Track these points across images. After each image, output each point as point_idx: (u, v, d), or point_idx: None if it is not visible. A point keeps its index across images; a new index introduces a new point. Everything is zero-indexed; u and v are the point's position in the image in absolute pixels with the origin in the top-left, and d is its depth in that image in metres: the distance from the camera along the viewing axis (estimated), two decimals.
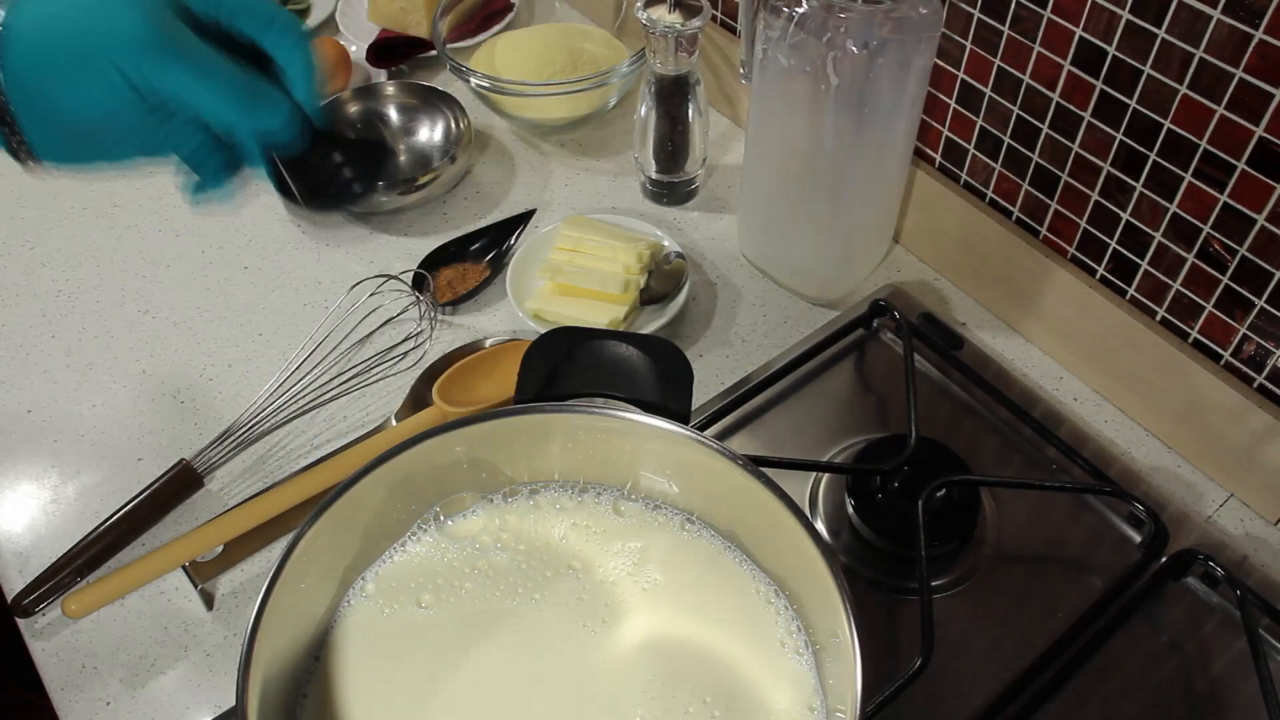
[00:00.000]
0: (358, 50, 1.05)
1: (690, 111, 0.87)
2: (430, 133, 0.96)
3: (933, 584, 0.66)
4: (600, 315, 0.79)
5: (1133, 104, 0.66)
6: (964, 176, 0.81)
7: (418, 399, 0.76)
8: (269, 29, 0.49)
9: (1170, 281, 0.70)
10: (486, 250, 0.87)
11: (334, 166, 0.54)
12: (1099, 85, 0.67)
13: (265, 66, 0.50)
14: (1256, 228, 0.64)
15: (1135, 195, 0.69)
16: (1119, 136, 0.68)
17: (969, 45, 0.74)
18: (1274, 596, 0.64)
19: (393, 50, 1.05)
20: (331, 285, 0.86)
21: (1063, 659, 0.63)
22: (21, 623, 0.67)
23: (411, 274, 0.85)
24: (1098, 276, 0.75)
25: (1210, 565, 0.65)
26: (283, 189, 0.53)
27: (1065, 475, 0.72)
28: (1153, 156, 0.67)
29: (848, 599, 0.47)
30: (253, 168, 0.50)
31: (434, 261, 0.86)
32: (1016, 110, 0.74)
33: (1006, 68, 0.73)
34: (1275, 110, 0.59)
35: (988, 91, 0.75)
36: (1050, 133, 0.72)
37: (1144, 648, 0.64)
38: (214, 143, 0.49)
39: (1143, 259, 0.71)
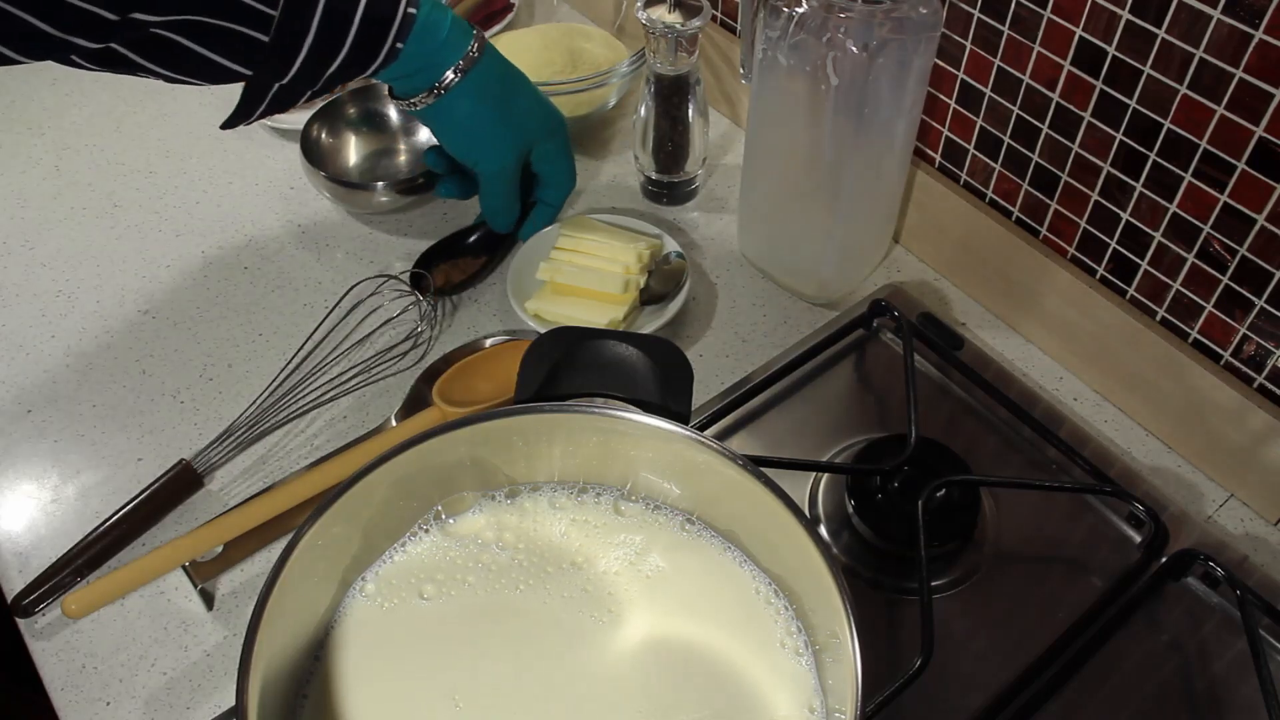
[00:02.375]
0: None
1: (690, 111, 0.87)
2: (430, 133, 0.96)
3: (933, 584, 0.66)
4: (600, 315, 0.79)
5: (1133, 104, 0.66)
6: (964, 176, 0.81)
7: (418, 399, 0.76)
8: (549, 190, 0.84)
9: (1170, 281, 0.70)
10: (484, 242, 0.87)
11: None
12: (1099, 85, 0.67)
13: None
14: (1256, 228, 0.64)
15: (1135, 195, 0.69)
16: (1119, 136, 0.68)
17: (969, 45, 0.74)
18: (1274, 596, 0.64)
19: None
20: (331, 285, 0.86)
21: (1063, 659, 0.63)
22: (21, 623, 0.67)
23: (411, 274, 0.85)
24: (1098, 276, 0.75)
25: (1210, 565, 0.65)
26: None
27: (1065, 475, 0.72)
28: (1153, 156, 0.67)
29: (848, 599, 0.47)
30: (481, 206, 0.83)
31: (431, 258, 0.86)
32: (1016, 110, 0.74)
33: (1006, 68, 0.73)
34: (1275, 110, 0.59)
35: (988, 91, 0.75)
36: (1050, 133, 0.72)
37: (1144, 648, 0.64)
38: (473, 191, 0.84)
39: (1143, 259, 0.71)
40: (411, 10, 0.67)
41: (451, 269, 0.86)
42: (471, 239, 0.87)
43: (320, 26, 0.63)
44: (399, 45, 0.67)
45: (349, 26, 0.64)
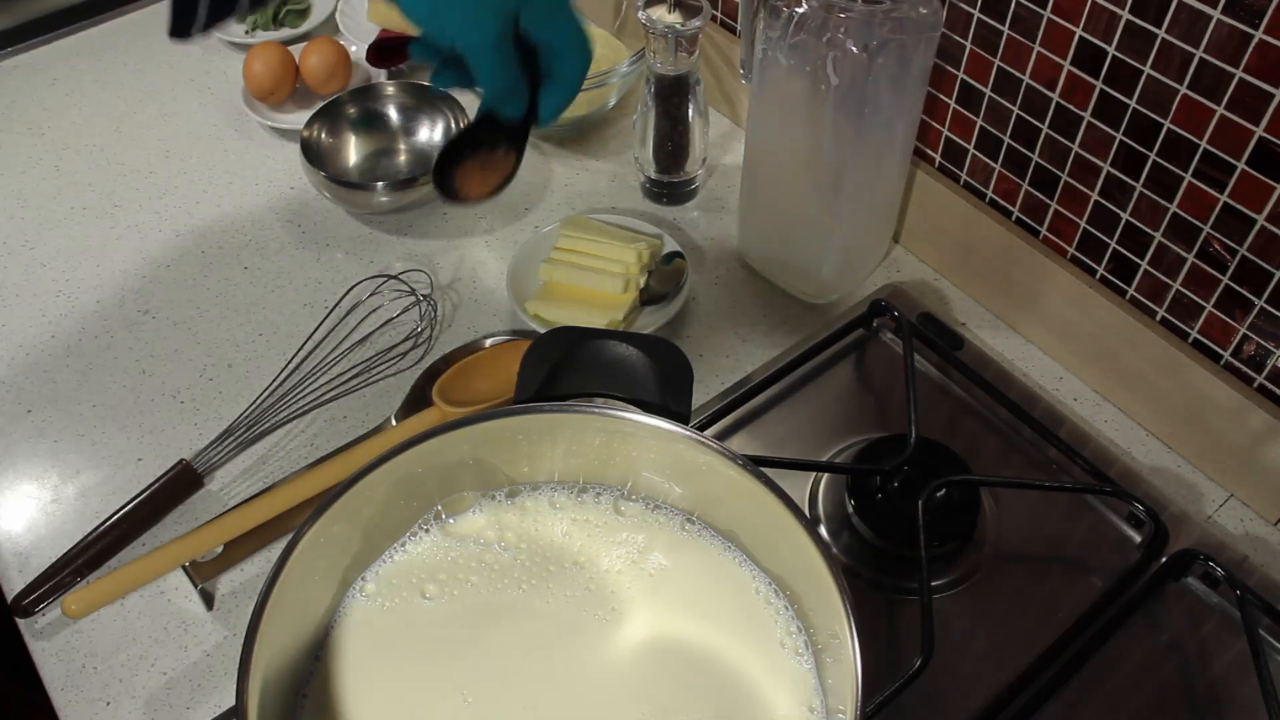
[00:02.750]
0: (358, 50, 1.05)
1: (690, 111, 0.87)
2: (430, 133, 0.96)
3: (933, 584, 0.66)
4: (600, 315, 0.79)
5: (1133, 104, 0.66)
6: (964, 176, 0.81)
7: (418, 399, 0.76)
8: (556, 62, 0.64)
9: (1170, 281, 0.70)
10: (503, 133, 0.67)
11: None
12: (1099, 85, 0.67)
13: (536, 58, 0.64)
14: (1256, 228, 0.64)
15: (1135, 195, 0.69)
16: (1119, 136, 0.68)
17: (969, 45, 0.74)
18: (1274, 596, 0.64)
19: (393, 50, 1.05)
20: (331, 285, 0.86)
21: (1063, 659, 0.63)
22: (21, 623, 0.67)
23: (411, 273, 0.85)
24: (1098, 276, 0.75)
25: (1210, 565, 0.65)
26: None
27: (1065, 475, 0.72)
28: (1153, 156, 0.67)
29: (848, 599, 0.47)
30: (478, 95, 0.65)
31: (447, 165, 0.67)
32: (1016, 110, 0.74)
33: (1006, 68, 0.73)
34: (1275, 110, 0.59)
35: (988, 91, 0.75)
36: (1050, 133, 0.72)
37: (1144, 648, 0.64)
38: (467, 75, 0.65)
39: (1143, 259, 0.71)
40: None
41: (483, 172, 0.67)
42: (485, 133, 0.67)
43: None
44: None
45: None
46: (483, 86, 0.66)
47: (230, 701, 0.62)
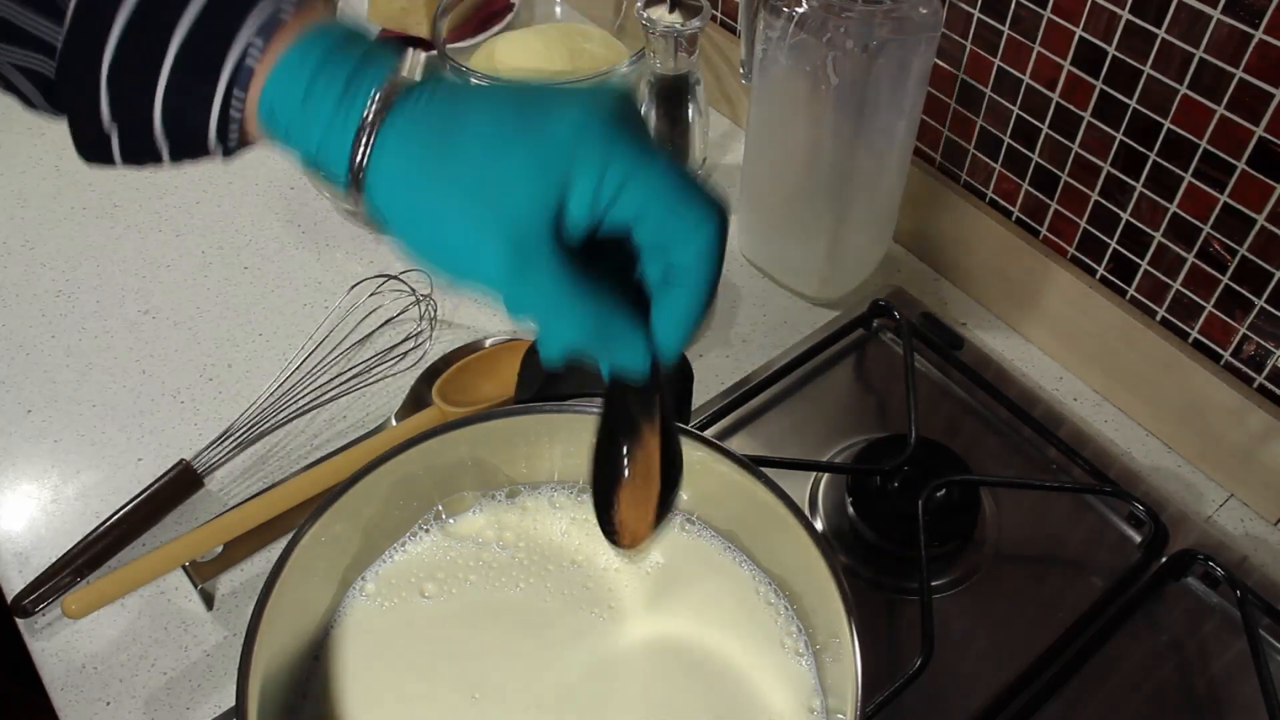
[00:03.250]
0: None
1: (690, 111, 0.87)
2: None
3: (933, 584, 0.66)
4: None
5: (1133, 104, 0.66)
6: (964, 176, 0.81)
7: (418, 399, 0.76)
8: (666, 249, 0.38)
9: (1170, 281, 0.70)
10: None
11: None
12: (1099, 85, 0.67)
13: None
14: (1256, 228, 0.64)
15: (1135, 195, 0.69)
16: (1119, 136, 0.68)
17: (969, 45, 0.74)
18: (1274, 596, 0.64)
19: None
20: (331, 285, 0.86)
21: (1063, 659, 0.63)
22: (21, 623, 0.67)
23: (411, 273, 0.84)
24: (1098, 276, 0.75)
25: (1210, 565, 0.65)
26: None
27: (1065, 475, 0.72)
28: (1153, 156, 0.67)
29: (848, 599, 0.47)
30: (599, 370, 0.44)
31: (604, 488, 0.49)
32: (1016, 110, 0.74)
33: (1006, 68, 0.73)
34: (1275, 110, 0.59)
35: (988, 91, 0.75)
36: (1050, 133, 0.72)
37: (1144, 648, 0.64)
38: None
39: (1143, 259, 0.71)
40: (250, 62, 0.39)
41: (635, 487, 0.46)
42: (618, 416, 0.45)
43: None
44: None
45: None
46: (566, 339, 0.40)
47: (230, 701, 0.62)
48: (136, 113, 0.40)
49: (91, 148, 0.41)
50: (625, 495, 0.45)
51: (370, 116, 0.38)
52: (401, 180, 0.39)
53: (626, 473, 0.45)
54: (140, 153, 0.41)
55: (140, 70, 0.39)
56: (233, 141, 0.41)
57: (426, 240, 0.39)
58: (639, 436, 0.44)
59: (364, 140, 0.39)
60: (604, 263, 0.39)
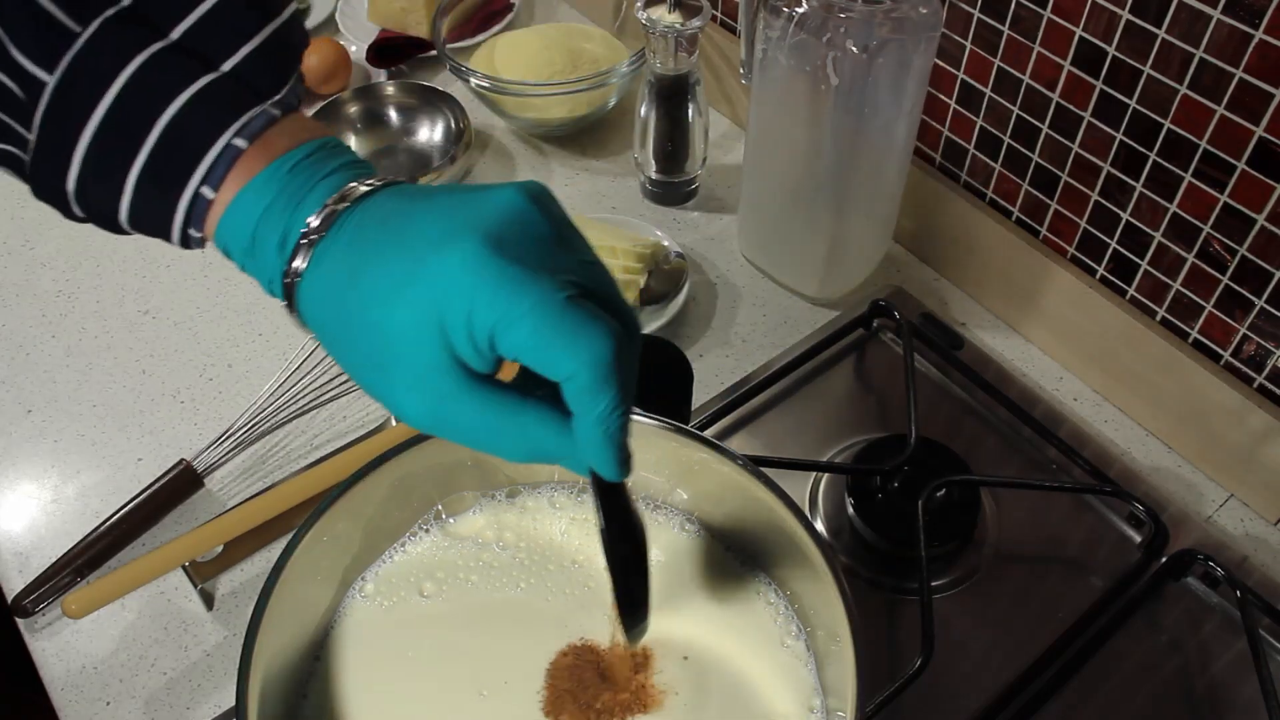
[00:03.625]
0: (358, 50, 1.05)
1: (690, 111, 0.87)
2: (430, 133, 0.97)
3: (933, 584, 0.66)
4: None
5: (1133, 104, 0.66)
6: (964, 176, 0.81)
7: None
8: (550, 375, 0.37)
9: (1170, 281, 0.70)
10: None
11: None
12: (1099, 85, 0.67)
13: None
14: (1256, 228, 0.64)
15: (1135, 195, 0.69)
16: (1119, 136, 0.68)
17: (969, 45, 0.74)
18: (1274, 596, 0.64)
19: (393, 50, 1.05)
20: None
21: (1063, 659, 0.63)
22: (21, 623, 0.67)
23: None
24: (1098, 276, 0.75)
25: (1210, 565, 0.65)
26: None
27: (1065, 475, 0.72)
28: (1153, 156, 0.67)
29: (848, 599, 0.47)
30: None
31: None
32: (1016, 110, 0.74)
33: (1006, 68, 0.73)
34: (1275, 110, 0.59)
35: (988, 91, 0.75)
36: (1050, 133, 0.72)
37: (1144, 648, 0.64)
38: None
39: (1143, 259, 0.71)
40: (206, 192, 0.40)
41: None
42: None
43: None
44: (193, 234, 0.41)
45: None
46: (505, 454, 0.40)
47: (230, 701, 0.62)
48: (106, 218, 0.42)
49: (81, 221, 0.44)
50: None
51: (292, 270, 0.40)
52: (323, 332, 0.41)
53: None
54: (122, 232, 0.44)
55: (105, 195, 0.41)
56: (199, 244, 0.43)
57: (360, 382, 0.41)
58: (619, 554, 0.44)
59: (291, 297, 0.41)
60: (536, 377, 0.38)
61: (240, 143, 0.40)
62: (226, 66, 0.41)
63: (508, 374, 0.39)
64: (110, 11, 0.39)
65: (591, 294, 0.38)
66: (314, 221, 0.39)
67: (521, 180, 0.39)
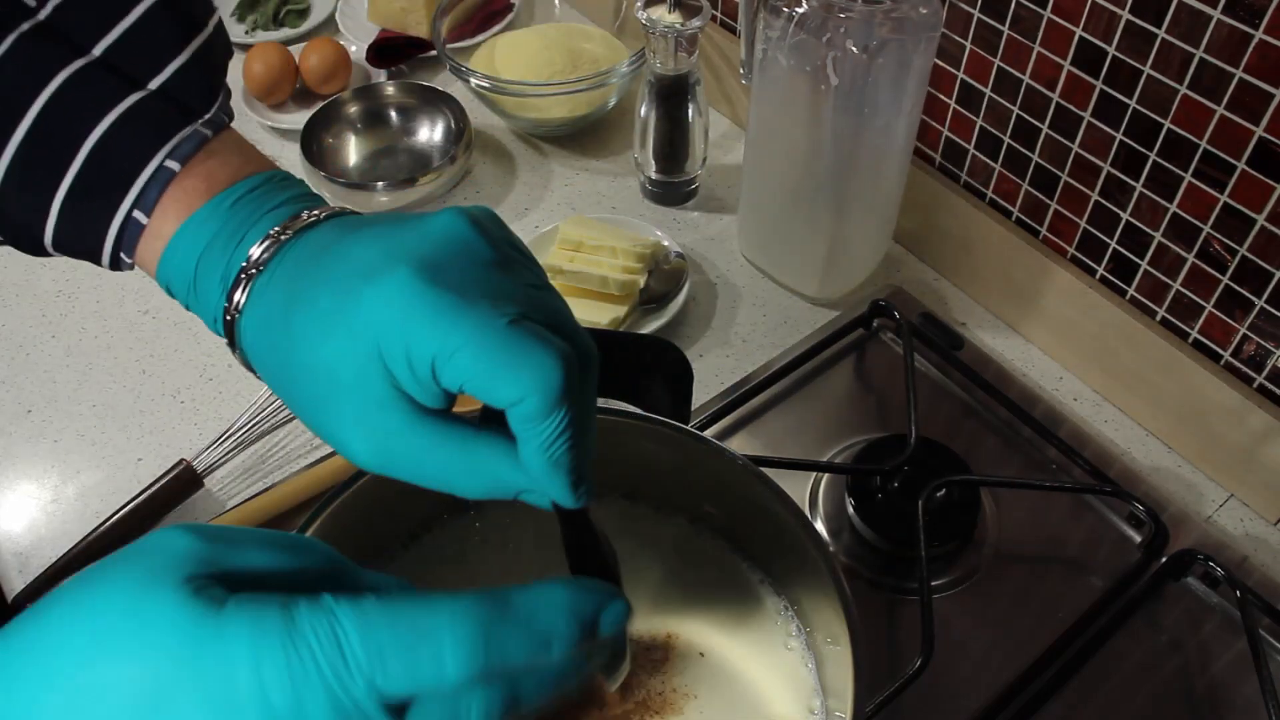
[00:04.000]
0: (358, 50, 1.05)
1: (690, 111, 0.87)
2: (430, 133, 0.97)
3: (933, 584, 0.66)
4: (600, 315, 0.79)
5: (1133, 104, 0.66)
6: (964, 176, 0.81)
7: None
8: (494, 399, 0.35)
9: (1170, 281, 0.70)
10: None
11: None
12: (1099, 85, 0.67)
13: None
14: (1256, 228, 0.64)
15: (1135, 195, 0.69)
16: (1119, 136, 0.68)
17: (969, 45, 0.74)
18: (1274, 596, 0.64)
19: (393, 50, 1.05)
20: None
21: (1063, 659, 0.63)
22: None
23: None
24: (1097, 276, 0.75)
25: (1210, 565, 0.65)
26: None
27: (1065, 475, 0.72)
28: (1153, 156, 0.67)
29: (848, 599, 0.47)
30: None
31: None
32: (1016, 110, 0.74)
33: (1006, 68, 0.73)
34: (1275, 110, 0.59)
35: (988, 91, 0.75)
36: (1050, 133, 0.72)
37: (1144, 648, 0.64)
38: None
39: (1143, 259, 0.71)
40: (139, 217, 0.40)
41: None
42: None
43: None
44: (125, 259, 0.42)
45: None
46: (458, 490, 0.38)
47: None
48: (29, 240, 0.41)
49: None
50: None
51: (232, 306, 0.39)
52: (265, 370, 0.39)
53: None
54: (44, 254, 0.43)
55: (29, 216, 0.40)
56: (128, 268, 0.42)
57: (306, 422, 0.39)
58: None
59: (232, 335, 0.40)
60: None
61: (173, 165, 0.39)
62: (154, 84, 0.40)
63: (470, 405, 0.37)
64: (25, 26, 0.38)
65: (540, 318, 0.35)
66: (256, 254, 0.38)
67: (468, 205, 0.38)
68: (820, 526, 0.70)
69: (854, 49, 0.67)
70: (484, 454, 0.37)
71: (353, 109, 0.96)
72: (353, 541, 0.54)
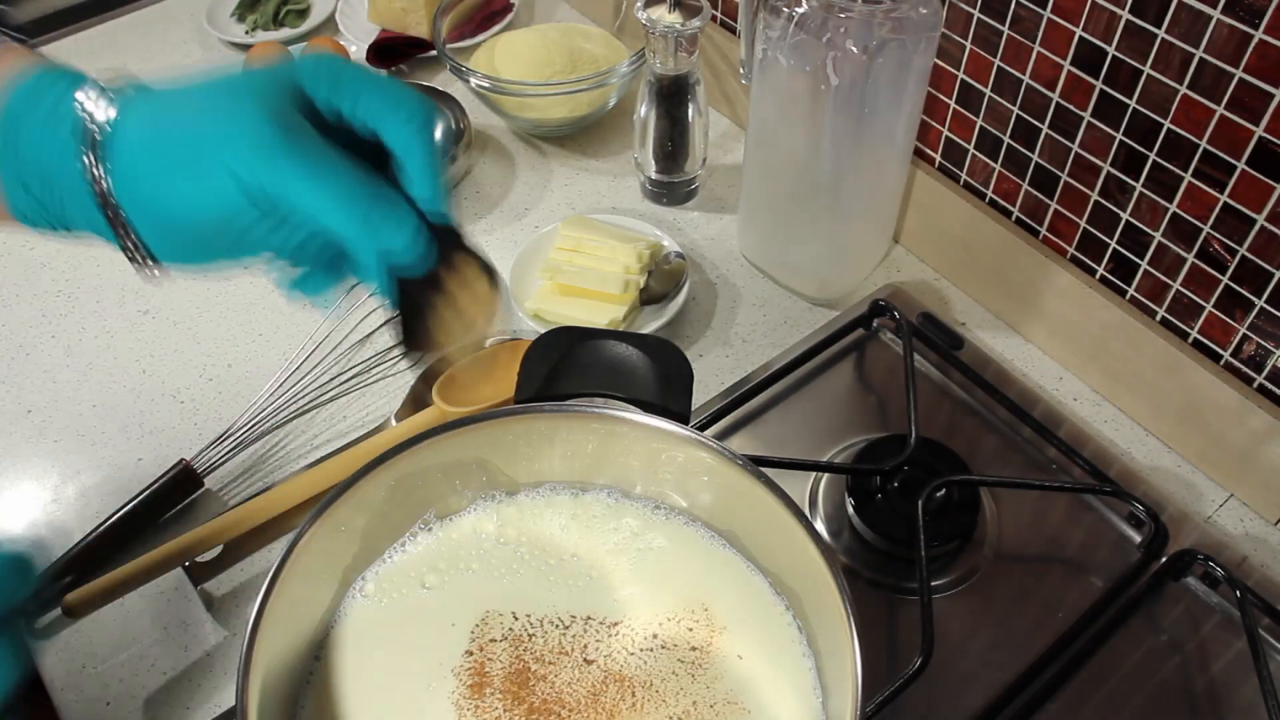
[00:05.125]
0: (358, 50, 1.05)
1: (690, 111, 0.87)
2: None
3: (933, 584, 0.66)
4: (600, 315, 0.79)
5: (1133, 104, 0.66)
6: (964, 176, 0.81)
7: (418, 399, 0.76)
8: (388, 117, 0.44)
9: (1170, 281, 0.70)
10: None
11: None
12: (1099, 85, 0.67)
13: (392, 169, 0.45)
14: (1256, 228, 0.64)
15: (1135, 195, 0.69)
16: (1119, 136, 0.68)
17: (969, 45, 0.74)
18: (1274, 596, 0.64)
19: (393, 50, 1.05)
20: None
21: (1063, 659, 0.63)
22: None
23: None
24: (1097, 276, 0.75)
25: (1210, 565, 0.65)
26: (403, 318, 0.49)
27: (1065, 475, 0.72)
28: (1153, 156, 0.67)
29: (848, 599, 0.47)
30: (365, 283, 0.47)
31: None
32: (1016, 110, 0.74)
33: (1006, 68, 0.73)
34: (1275, 110, 0.59)
35: (988, 91, 0.75)
36: (1050, 133, 0.72)
37: (1144, 648, 0.64)
38: (330, 250, 0.46)
39: (1143, 259, 0.71)
40: None
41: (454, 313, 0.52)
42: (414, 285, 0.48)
43: None
44: None
45: None
46: (329, 221, 0.42)
47: (230, 701, 0.62)
48: None
49: None
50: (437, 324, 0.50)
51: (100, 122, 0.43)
52: (141, 164, 0.42)
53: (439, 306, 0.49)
54: None
55: None
56: None
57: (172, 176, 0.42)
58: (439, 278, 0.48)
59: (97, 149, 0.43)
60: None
61: None
62: None
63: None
64: None
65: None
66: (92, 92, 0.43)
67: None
68: (820, 526, 0.70)
69: (854, 49, 0.67)
70: (366, 169, 0.43)
71: None
72: (354, 540, 0.54)
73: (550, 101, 0.93)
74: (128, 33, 1.13)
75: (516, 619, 0.53)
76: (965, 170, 0.81)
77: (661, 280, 0.82)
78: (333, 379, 0.79)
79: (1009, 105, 0.74)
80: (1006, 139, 0.76)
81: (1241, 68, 0.59)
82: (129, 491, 0.72)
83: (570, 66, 0.95)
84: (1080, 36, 0.67)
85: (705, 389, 0.77)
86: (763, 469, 0.51)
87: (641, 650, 0.52)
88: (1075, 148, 0.71)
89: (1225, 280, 0.67)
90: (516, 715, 0.50)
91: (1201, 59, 0.61)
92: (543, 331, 0.57)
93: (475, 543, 0.56)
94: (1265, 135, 0.60)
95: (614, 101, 0.97)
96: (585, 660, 0.52)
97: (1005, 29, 0.71)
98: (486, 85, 0.92)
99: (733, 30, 0.95)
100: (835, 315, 0.83)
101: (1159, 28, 0.62)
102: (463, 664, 0.52)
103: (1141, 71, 0.65)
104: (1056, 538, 0.69)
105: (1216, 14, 0.59)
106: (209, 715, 0.62)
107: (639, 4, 0.82)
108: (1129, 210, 0.70)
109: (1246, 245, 0.65)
